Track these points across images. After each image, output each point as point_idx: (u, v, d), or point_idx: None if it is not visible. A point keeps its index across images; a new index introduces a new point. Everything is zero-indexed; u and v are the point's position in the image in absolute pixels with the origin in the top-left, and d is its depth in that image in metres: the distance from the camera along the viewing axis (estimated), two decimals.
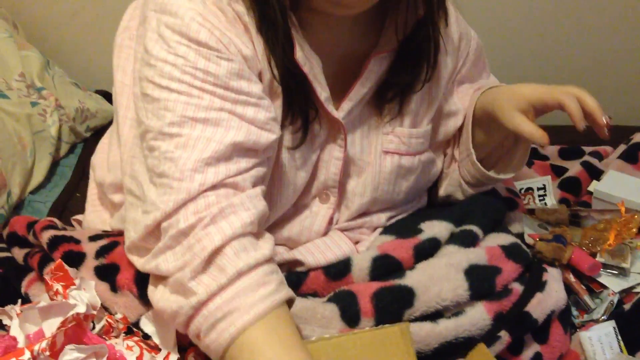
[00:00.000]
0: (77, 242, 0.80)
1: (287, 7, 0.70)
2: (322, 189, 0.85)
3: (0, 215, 1.06)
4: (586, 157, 1.27)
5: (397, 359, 0.68)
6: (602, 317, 0.88)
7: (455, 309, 0.77)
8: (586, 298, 0.91)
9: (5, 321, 0.73)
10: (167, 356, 0.70)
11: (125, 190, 0.72)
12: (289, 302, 0.65)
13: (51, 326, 0.68)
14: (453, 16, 0.86)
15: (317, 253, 0.82)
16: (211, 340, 0.61)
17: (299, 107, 0.76)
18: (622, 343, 0.84)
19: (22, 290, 0.80)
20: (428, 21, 0.78)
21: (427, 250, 0.82)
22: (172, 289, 0.64)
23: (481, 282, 0.78)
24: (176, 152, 0.65)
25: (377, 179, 0.85)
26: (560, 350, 0.82)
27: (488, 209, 0.90)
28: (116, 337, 0.73)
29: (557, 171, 1.27)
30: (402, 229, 0.87)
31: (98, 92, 1.50)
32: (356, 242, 0.87)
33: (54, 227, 0.85)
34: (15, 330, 0.69)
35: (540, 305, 0.80)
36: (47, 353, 0.61)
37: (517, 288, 0.80)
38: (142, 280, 0.72)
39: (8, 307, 0.73)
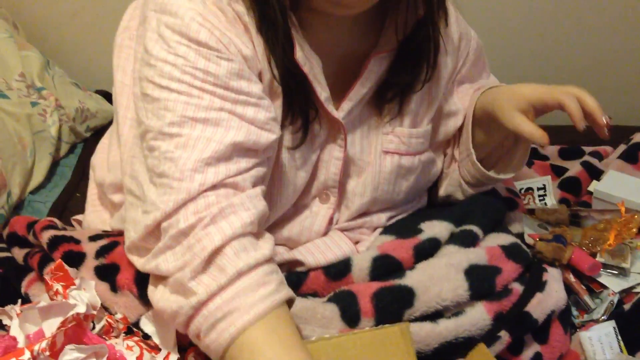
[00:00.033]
0: (77, 242, 0.80)
1: (287, 7, 0.70)
2: (322, 189, 0.85)
3: (1, 215, 1.06)
4: (586, 157, 1.27)
5: (397, 359, 0.68)
6: (602, 317, 0.88)
7: (455, 309, 0.77)
8: (586, 298, 0.91)
9: (5, 321, 0.73)
10: (167, 356, 0.70)
11: (125, 190, 0.72)
12: (289, 302, 0.65)
13: (51, 326, 0.68)
14: (453, 16, 0.86)
15: (317, 253, 0.82)
16: (211, 340, 0.61)
17: (299, 107, 0.76)
18: (622, 343, 0.84)
19: (22, 290, 0.80)
20: (428, 21, 0.78)
21: (427, 250, 0.82)
22: (172, 289, 0.64)
23: (481, 282, 0.78)
24: (176, 152, 0.65)
25: (377, 178, 0.85)
26: (560, 350, 0.82)
27: (488, 209, 0.90)
28: (116, 337, 0.73)
29: (557, 171, 1.27)
30: (402, 229, 0.87)
31: (98, 92, 1.50)
32: (356, 242, 0.87)
33: (54, 227, 0.85)
34: (15, 330, 0.69)
35: (541, 305, 0.80)
36: (47, 353, 0.61)
37: (517, 288, 0.80)
38: (142, 280, 0.72)
39: (8, 307, 0.73)
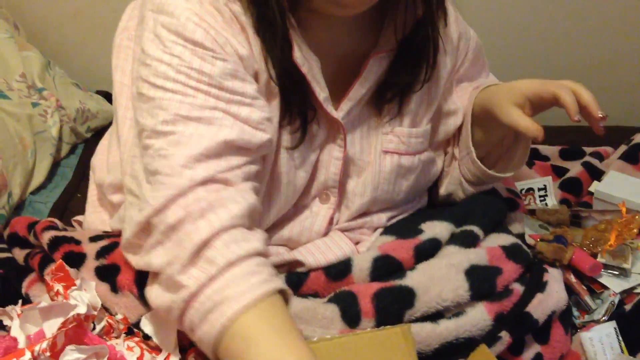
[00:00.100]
0: (78, 242, 0.80)
1: (286, 8, 0.70)
2: (322, 189, 0.85)
3: (1, 215, 1.06)
4: (587, 158, 1.27)
5: None
6: (603, 318, 0.88)
7: (455, 310, 0.77)
8: (587, 298, 0.90)
9: (6, 322, 0.73)
10: (167, 357, 0.70)
11: (126, 189, 0.73)
12: (285, 297, 0.64)
13: (52, 327, 0.68)
14: (452, 16, 0.86)
15: (317, 253, 0.82)
16: (203, 332, 0.60)
17: (297, 107, 0.76)
18: (622, 344, 0.84)
19: (23, 290, 0.80)
20: (427, 21, 0.78)
21: (428, 250, 0.82)
22: (164, 285, 0.64)
23: (482, 283, 0.78)
24: (169, 149, 0.66)
25: (377, 178, 0.85)
26: (561, 350, 0.82)
27: (489, 209, 0.90)
28: (117, 337, 0.73)
29: (558, 172, 1.27)
30: (402, 229, 0.87)
31: (99, 92, 1.51)
32: (357, 243, 0.87)
33: (55, 227, 0.85)
34: (15, 330, 0.69)
35: (541, 306, 0.80)
36: (48, 354, 0.61)
37: (518, 288, 0.80)
38: (142, 281, 0.72)
39: (9, 308, 0.73)
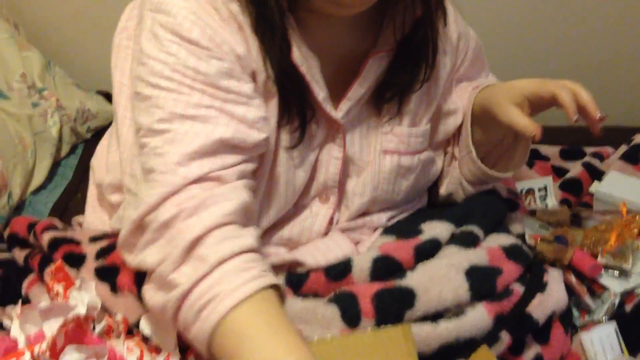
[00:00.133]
0: (78, 243, 0.80)
1: (285, 8, 0.70)
2: (322, 189, 0.85)
3: (1, 216, 1.06)
4: (587, 158, 1.27)
5: None
6: (604, 318, 0.88)
7: (455, 310, 0.77)
8: (587, 299, 0.90)
9: (6, 322, 0.73)
10: (167, 357, 0.70)
11: (125, 189, 0.73)
12: (279, 293, 0.64)
13: (51, 327, 0.68)
14: (452, 16, 0.86)
15: (317, 254, 0.82)
16: (197, 330, 0.60)
17: (295, 107, 0.76)
18: (623, 344, 0.84)
19: (23, 291, 0.81)
20: (426, 21, 0.78)
21: (428, 250, 0.82)
22: (157, 284, 0.64)
23: (482, 283, 0.78)
24: (164, 147, 0.66)
25: (376, 178, 0.85)
26: (561, 351, 0.82)
27: (489, 209, 0.90)
28: (117, 338, 0.73)
29: (558, 172, 1.27)
30: (402, 229, 0.87)
31: (99, 92, 1.50)
32: (357, 243, 0.87)
33: (55, 228, 0.85)
34: (15, 331, 0.69)
35: (541, 306, 0.80)
36: (48, 354, 0.61)
37: (518, 289, 0.80)
38: (142, 281, 0.71)
39: (9, 308, 0.74)
